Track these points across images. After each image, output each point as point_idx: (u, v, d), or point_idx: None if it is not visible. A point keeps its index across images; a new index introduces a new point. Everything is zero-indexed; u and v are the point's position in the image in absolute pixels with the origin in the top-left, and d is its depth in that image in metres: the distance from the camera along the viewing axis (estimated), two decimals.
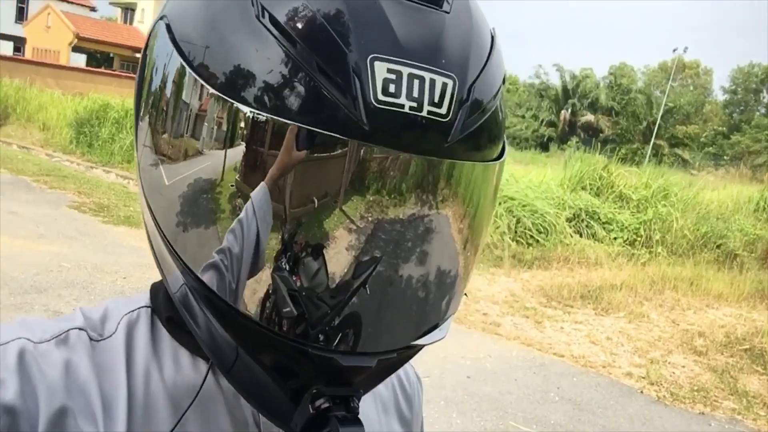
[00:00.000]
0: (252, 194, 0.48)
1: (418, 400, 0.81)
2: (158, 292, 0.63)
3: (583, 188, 10.68)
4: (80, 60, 31.38)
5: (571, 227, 9.62)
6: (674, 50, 49.78)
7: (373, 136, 0.46)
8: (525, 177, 10.80)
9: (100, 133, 13.12)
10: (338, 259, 0.49)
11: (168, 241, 0.54)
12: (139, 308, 0.62)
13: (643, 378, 5.32)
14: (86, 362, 0.56)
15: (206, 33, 0.51)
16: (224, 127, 0.48)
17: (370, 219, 0.48)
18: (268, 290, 0.50)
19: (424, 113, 0.47)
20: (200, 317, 0.54)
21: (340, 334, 0.51)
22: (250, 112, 0.46)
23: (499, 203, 8.75)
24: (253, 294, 0.50)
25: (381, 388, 0.71)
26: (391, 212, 0.49)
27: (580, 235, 9.62)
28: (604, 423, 4.40)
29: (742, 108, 54.17)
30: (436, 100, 0.47)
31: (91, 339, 0.58)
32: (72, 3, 34.65)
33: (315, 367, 0.52)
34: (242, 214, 0.48)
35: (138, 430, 0.55)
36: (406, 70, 0.46)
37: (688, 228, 9.67)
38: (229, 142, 0.48)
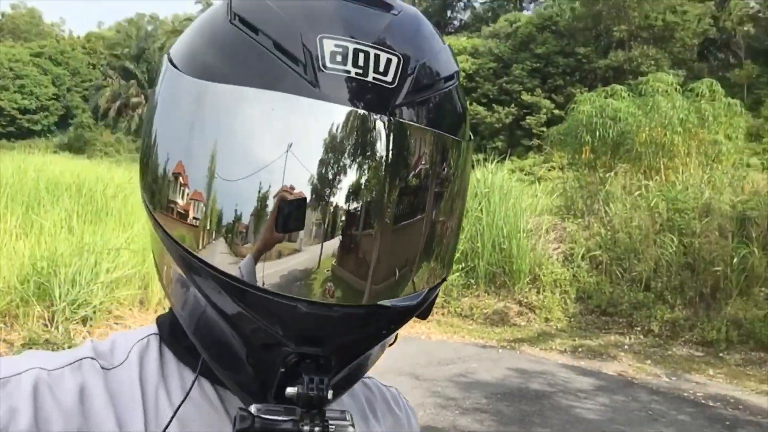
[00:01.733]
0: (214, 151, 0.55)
1: (407, 416, 0.81)
2: (164, 322, 0.67)
3: None
4: None
5: None
6: None
7: (323, 95, 0.53)
8: None
9: None
10: (302, 210, 0.53)
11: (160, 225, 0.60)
12: (148, 336, 0.66)
13: None
14: (101, 388, 0.58)
15: (195, 45, 0.62)
16: (206, 107, 0.57)
17: (330, 177, 0.54)
18: (237, 241, 0.55)
19: (369, 78, 0.54)
20: (202, 316, 0.59)
21: (304, 283, 0.54)
22: (220, 86, 0.55)
23: None
24: (221, 247, 0.55)
25: (361, 399, 0.75)
26: (351, 171, 0.54)
27: None
28: None
29: None
30: (381, 69, 0.55)
31: (102, 368, 0.61)
32: None
33: (281, 323, 0.54)
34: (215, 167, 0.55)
35: None
36: (351, 46, 0.55)
37: None
38: (210, 117, 0.56)
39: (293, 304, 0.53)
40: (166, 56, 0.64)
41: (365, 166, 0.54)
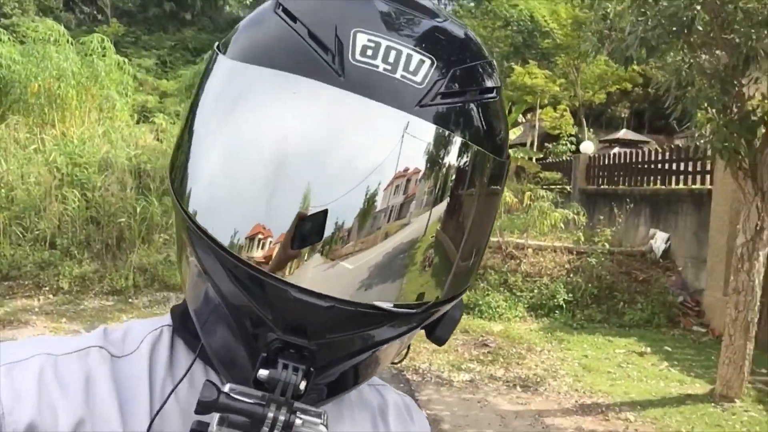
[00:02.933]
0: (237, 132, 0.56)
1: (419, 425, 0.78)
2: (177, 312, 0.67)
3: None
4: None
5: None
6: None
7: (348, 85, 0.53)
8: None
9: None
10: (321, 224, 0.53)
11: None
12: (162, 326, 0.65)
13: None
14: (106, 376, 0.58)
15: (238, 31, 0.63)
16: (232, 85, 0.58)
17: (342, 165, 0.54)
18: (237, 218, 0.54)
19: (397, 76, 0.54)
20: (202, 297, 0.60)
21: (299, 269, 0.53)
22: (253, 67, 0.56)
23: None
24: (223, 221, 0.55)
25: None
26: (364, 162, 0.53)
27: None
28: None
29: None
30: (412, 69, 0.55)
31: (111, 355, 0.61)
32: None
33: (272, 307, 0.54)
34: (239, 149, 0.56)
35: None
36: (384, 42, 0.55)
37: None
38: (240, 98, 0.57)
39: (284, 288, 0.53)
40: (215, 45, 0.64)
41: (378, 162, 0.53)
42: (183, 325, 0.65)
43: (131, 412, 0.57)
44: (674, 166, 10.30)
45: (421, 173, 0.54)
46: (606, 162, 12.67)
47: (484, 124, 0.59)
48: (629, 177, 11.53)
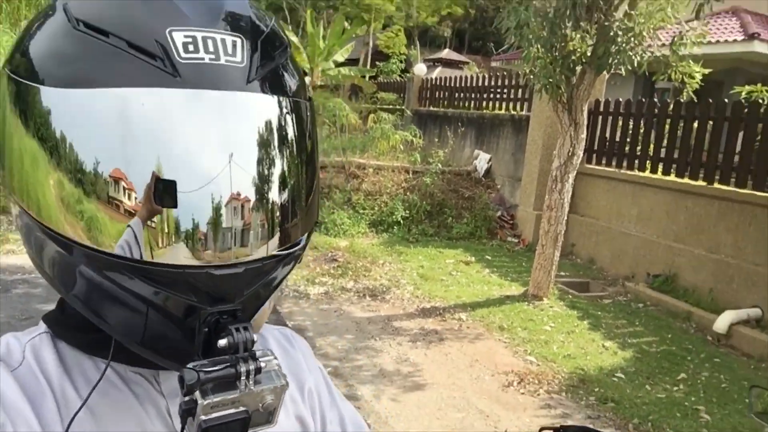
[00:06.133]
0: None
1: (302, 353, 0.88)
2: (52, 318, 0.69)
3: None
4: None
5: None
6: None
7: (186, 83, 0.56)
8: None
9: None
10: (188, 186, 0.57)
11: (43, 224, 0.61)
12: (39, 334, 0.68)
13: None
14: (13, 387, 0.61)
15: (44, 56, 0.60)
16: (75, 113, 0.57)
17: (204, 151, 0.58)
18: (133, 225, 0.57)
19: (222, 62, 0.59)
20: (104, 300, 0.61)
21: (209, 250, 0.59)
22: (91, 91, 0.56)
23: None
24: (124, 233, 0.58)
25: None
26: (218, 145, 0.58)
27: None
28: None
29: None
30: (230, 51, 0.60)
31: (10, 369, 0.63)
32: None
33: (194, 288, 0.59)
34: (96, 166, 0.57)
35: None
36: (199, 34, 0.59)
37: None
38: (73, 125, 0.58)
39: (203, 272, 0.59)
40: (5, 68, 0.63)
41: (238, 139, 0.60)
42: (62, 329, 0.68)
43: (43, 415, 0.60)
44: (498, 93, 11.30)
45: (271, 139, 0.62)
46: (438, 83, 13.41)
47: (293, 77, 0.67)
48: (459, 101, 12.40)
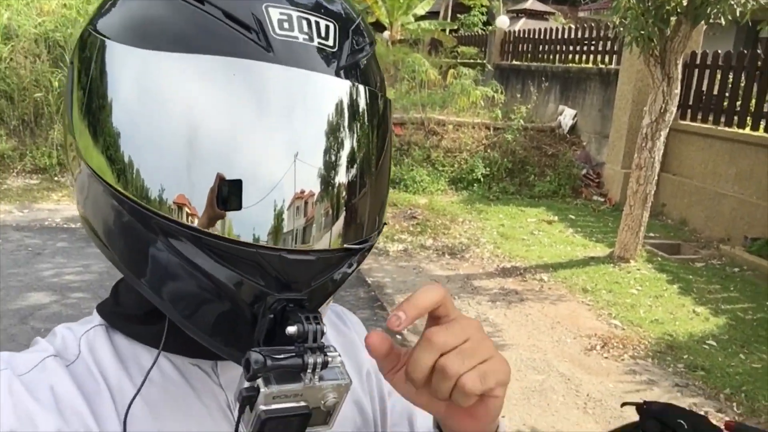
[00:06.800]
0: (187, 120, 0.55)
1: (356, 332, 0.86)
2: (106, 310, 0.68)
3: None
4: None
5: None
6: None
7: (279, 59, 0.56)
8: None
9: None
10: (269, 168, 0.57)
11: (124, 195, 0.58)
12: (93, 327, 0.67)
13: None
14: (69, 385, 0.60)
15: (136, 17, 0.59)
16: (163, 77, 0.56)
17: (289, 135, 0.57)
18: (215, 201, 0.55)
19: (315, 44, 0.59)
20: (171, 280, 0.59)
21: (283, 235, 0.57)
22: (180, 55, 0.55)
23: None
24: (201, 208, 0.56)
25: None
26: (306, 125, 0.58)
27: None
28: None
29: None
30: (323, 34, 0.59)
31: (66, 363, 0.62)
32: None
33: (264, 271, 0.57)
34: (180, 140, 0.55)
35: None
36: (295, 14, 0.58)
37: None
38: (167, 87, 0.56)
39: (276, 254, 0.57)
40: (89, 29, 0.61)
41: (326, 125, 0.59)
42: (118, 321, 0.67)
43: (99, 412, 0.60)
44: (585, 46, 10.80)
45: (354, 127, 0.61)
46: (521, 36, 12.97)
47: (377, 71, 0.68)
48: (543, 54, 11.95)
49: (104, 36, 0.60)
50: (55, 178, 7.87)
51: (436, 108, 10.75)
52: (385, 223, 0.71)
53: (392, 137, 0.71)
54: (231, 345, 0.59)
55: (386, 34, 15.09)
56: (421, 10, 15.66)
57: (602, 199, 8.96)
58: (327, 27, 0.60)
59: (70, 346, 0.64)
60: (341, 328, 0.85)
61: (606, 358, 4.45)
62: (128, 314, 0.66)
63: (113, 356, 0.64)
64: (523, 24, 16.99)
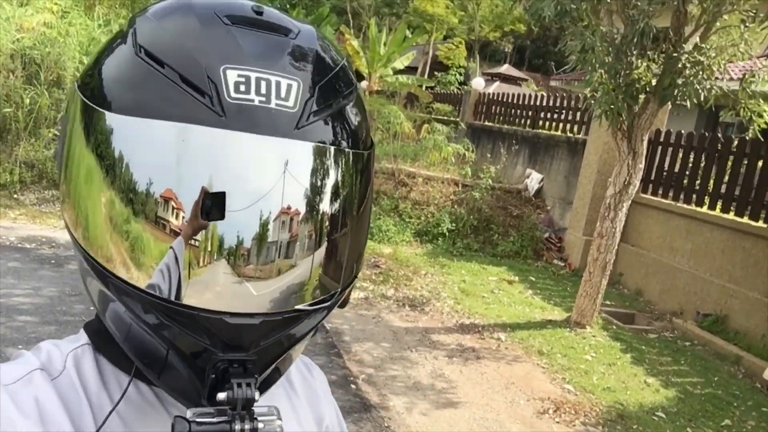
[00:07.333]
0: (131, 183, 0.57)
1: (320, 385, 0.87)
2: (93, 329, 0.69)
3: None
4: None
5: None
6: None
7: (230, 124, 0.55)
8: None
9: None
10: (217, 232, 0.57)
11: (87, 253, 0.61)
12: (81, 345, 0.68)
13: None
14: (53, 398, 0.61)
15: (106, 79, 0.62)
16: (119, 138, 0.58)
17: (241, 198, 0.56)
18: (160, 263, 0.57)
19: (272, 105, 0.57)
20: (130, 329, 0.63)
21: (226, 296, 0.58)
22: (133, 119, 0.57)
23: None
24: (147, 268, 0.58)
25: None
26: (258, 190, 0.57)
27: None
28: None
29: None
30: (283, 95, 0.58)
31: (51, 377, 0.63)
32: None
33: (209, 332, 0.58)
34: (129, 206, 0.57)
35: None
36: (254, 75, 0.58)
37: None
38: (114, 150, 0.58)
39: (217, 318, 0.57)
40: (75, 86, 0.65)
41: (272, 189, 0.57)
42: (102, 342, 0.67)
43: (80, 427, 0.60)
44: (555, 114, 11.15)
45: (312, 190, 0.59)
46: (495, 98, 13.31)
47: (351, 125, 0.65)
48: (514, 118, 12.28)
49: (78, 89, 0.63)
50: (14, 196, 7.68)
51: (407, 160, 10.93)
52: (356, 276, 0.69)
53: (371, 186, 0.69)
54: (181, 394, 0.62)
55: (364, 83, 15.34)
56: (400, 65, 16.02)
57: (562, 264, 9.10)
58: (289, 87, 0.59)
59: (55, 361, 0.64)
60: (308, 377, 0.85)
61: (558, 422, 4.45)
62: (111, 337, 0.67)
63: (96, 375, 0.65)
64: (497, 87, 17.53)
